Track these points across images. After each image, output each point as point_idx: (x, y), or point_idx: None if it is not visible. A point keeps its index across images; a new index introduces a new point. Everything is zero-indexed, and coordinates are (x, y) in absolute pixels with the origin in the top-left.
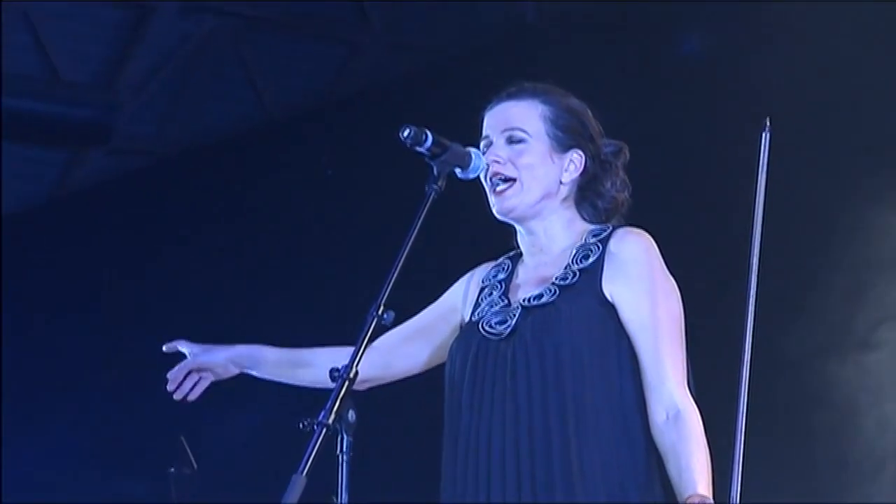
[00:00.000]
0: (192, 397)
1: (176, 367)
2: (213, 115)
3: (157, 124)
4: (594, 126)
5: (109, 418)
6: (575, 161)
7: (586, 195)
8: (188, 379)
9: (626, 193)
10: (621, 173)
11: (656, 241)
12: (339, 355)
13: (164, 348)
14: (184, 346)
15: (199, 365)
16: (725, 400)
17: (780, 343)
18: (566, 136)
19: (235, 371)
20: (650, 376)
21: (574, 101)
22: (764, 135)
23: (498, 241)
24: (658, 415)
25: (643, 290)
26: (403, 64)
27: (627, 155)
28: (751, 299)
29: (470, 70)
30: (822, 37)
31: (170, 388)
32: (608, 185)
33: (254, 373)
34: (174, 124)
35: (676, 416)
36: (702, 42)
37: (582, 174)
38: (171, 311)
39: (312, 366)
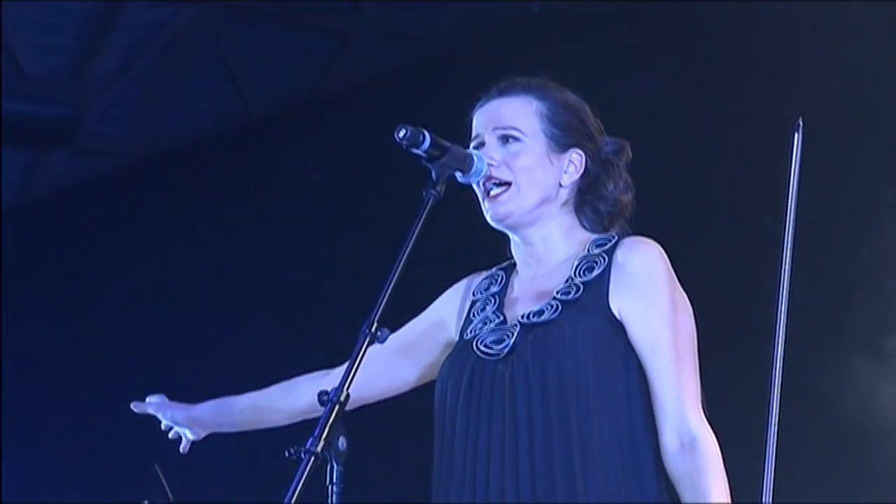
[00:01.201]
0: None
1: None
2: (190, 113)
3: (128, 124)
4: (593, 123)
5: (77, 444)
6: (575, 161)
7: (587, 199)
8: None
9: (629, 195)
10: (624, 174)
11: (671, 252)
12: (314, 383)
13: (133, 407)
14: (151, 407)
15: (166, 422)
16: (748, 423)
17: (806, 362)
18: (564, 134)
19: (201, 433)
20: (662, 400)
21: (571, 97)
22: (796, 136)
23: (504, 251)
24: (671, 442)
25: (654, 305)
26: (399, 57)
27: (630, 153)
28: (781, 316)
29: (471, 64)
30: (848, 33)
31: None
32: (611, 186)
33: (223, 429)
34: (146, 124)
35: (692, 444)
36: (719, 37)
37: (582, 176)
38: (142, 325)
39: (288, 398)
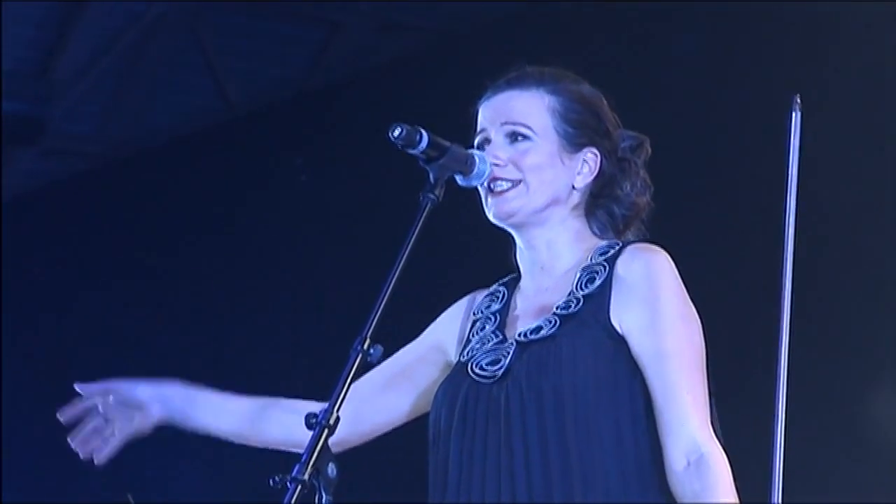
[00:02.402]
0: (99, 459)
1: (82, 400)
2: (166, 110)
3: (99, 121)
4: (610, 118)
5: (43, 477)
6: (589, 162)
7: (600, 202)
8: (91, 427)
9: (646, 197)
10: (642, 173)
11: (672, 253)
12: (290, 413)
13: (78, 389)
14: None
15: (114, 393)
16: (757, 439)
17: (814, 371)
18: (578, 132)
19: (156, 415)
20: (667, 417)
21: (587, 89)
22: (794, 115)
23: (509, 259)
24: (677, 461)
25: (657, 317)
26: (393, 48)
27: (649, 150)
28: (784, 327)
29: (473, 56)
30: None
31: (72, 441)
32: (627, 187)
33: (188, 422)
34: (119, 121)
35: (699, 462)
36: (723, 18)
37: (596, 177)
38: (110, 341)
39: (273, 419)
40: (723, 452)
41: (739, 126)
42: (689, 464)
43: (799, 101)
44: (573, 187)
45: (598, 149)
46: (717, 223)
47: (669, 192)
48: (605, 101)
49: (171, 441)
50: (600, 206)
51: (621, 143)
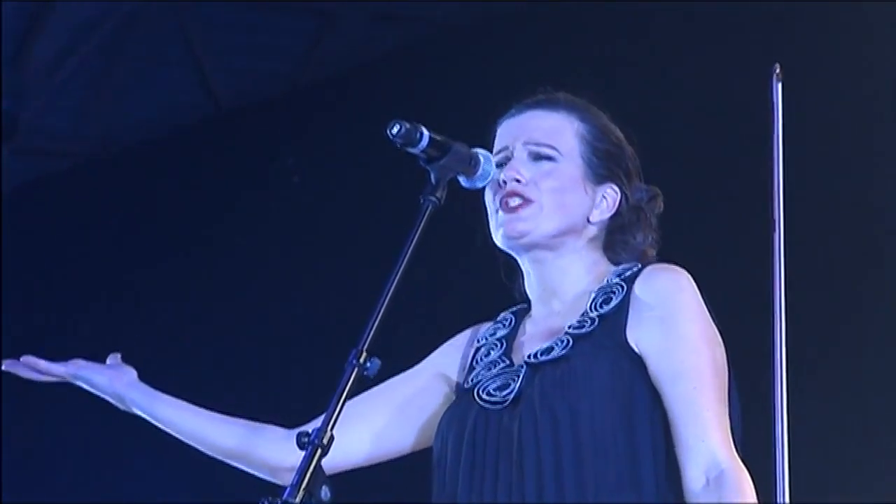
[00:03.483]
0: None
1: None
2: (148, 105)
3: (77, 117)
4: (633, 162)
5: (78, 443)
6: (608, 198)
7: (611, 244)
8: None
9: (654, 251)
10: (653, 226)
11: (668, 250)
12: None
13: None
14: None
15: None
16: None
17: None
18: (602, 164)
19: (117, 389)
20: (685, 434)
21: (615, 128)
22: (775, 85)
23: (515, 267)
24: (696, 480)
25: (676, 335)
26: (390, 40)
27: (662, 205)
28: (778, 311)
29: (474, 49)
30: None
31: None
32: (640, 237)
33: (144, 407)
34: (98, 117)
35: (719, 478)
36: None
37: (613, 217)
38: (90, 348)
39: (269, 436)
40: (745, 471)
41: (739, 126)
42: (708, 482)
43: (778, 70)
44: (589, 220)
45: (619, 187)
46: (717, 222)
47: (670, 193)
48: (629, 145)
49: (171, 443)
50: (609, 247)
51: (635, 192)
